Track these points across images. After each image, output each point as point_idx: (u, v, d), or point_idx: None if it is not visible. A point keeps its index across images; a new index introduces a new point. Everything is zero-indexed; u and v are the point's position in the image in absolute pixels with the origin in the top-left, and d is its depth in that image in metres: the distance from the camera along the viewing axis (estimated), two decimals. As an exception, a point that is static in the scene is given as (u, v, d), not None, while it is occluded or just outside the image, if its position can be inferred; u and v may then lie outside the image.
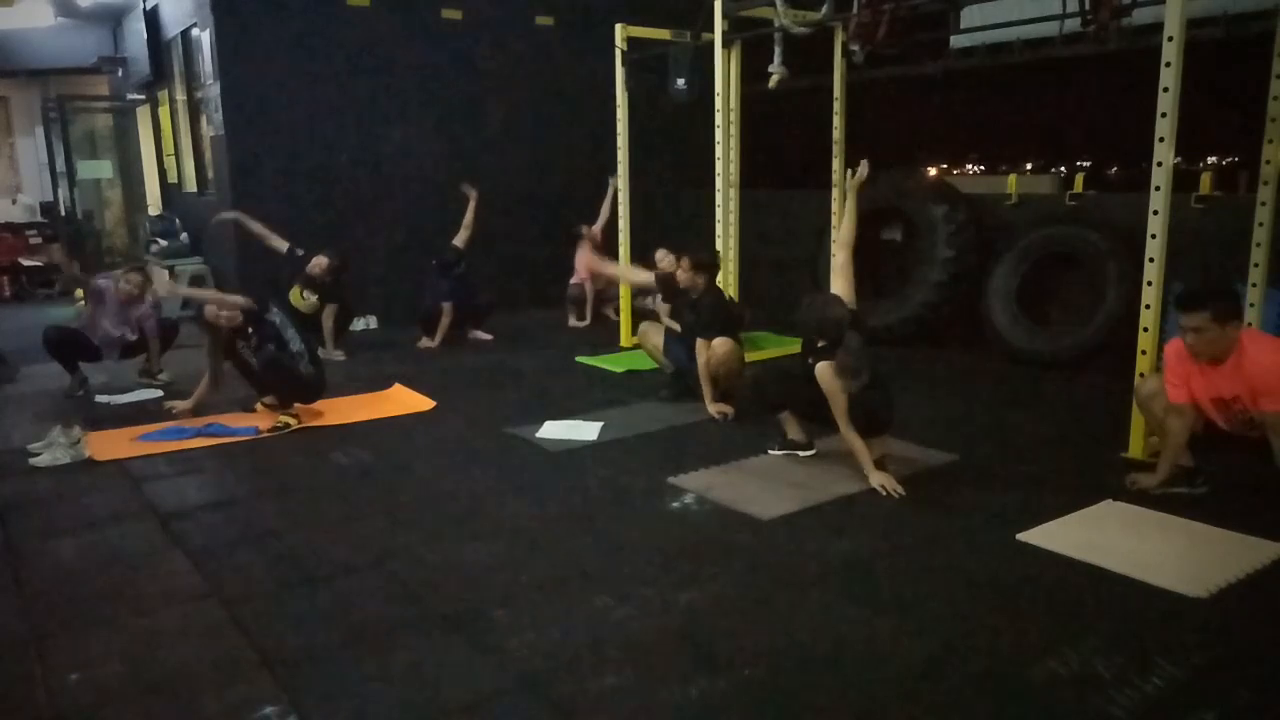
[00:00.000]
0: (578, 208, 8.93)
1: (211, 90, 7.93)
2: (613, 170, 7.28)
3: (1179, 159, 4.24)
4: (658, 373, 5.90)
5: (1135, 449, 4.24)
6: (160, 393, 5.73)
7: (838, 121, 6.32)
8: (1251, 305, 4.70)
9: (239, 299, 5.03)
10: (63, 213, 11.33)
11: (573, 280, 8.42)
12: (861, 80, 6.45)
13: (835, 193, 6.46)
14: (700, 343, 5.13)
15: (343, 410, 5.33)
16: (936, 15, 5.71)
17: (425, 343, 7.27)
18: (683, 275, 5.31)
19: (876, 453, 3.93)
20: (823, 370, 3.90)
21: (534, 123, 9.01)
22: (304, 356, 5.12)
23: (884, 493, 3.79)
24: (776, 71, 6.11)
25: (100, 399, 5.69)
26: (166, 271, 8.57)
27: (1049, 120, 18.91)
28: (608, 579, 3.09)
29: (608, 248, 7.92)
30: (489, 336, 7.56)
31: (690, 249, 5.47)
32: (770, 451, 4.38)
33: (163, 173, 10.75)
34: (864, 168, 4.43)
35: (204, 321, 5.06)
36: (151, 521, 3.71)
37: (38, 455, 4.46)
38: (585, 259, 8.15)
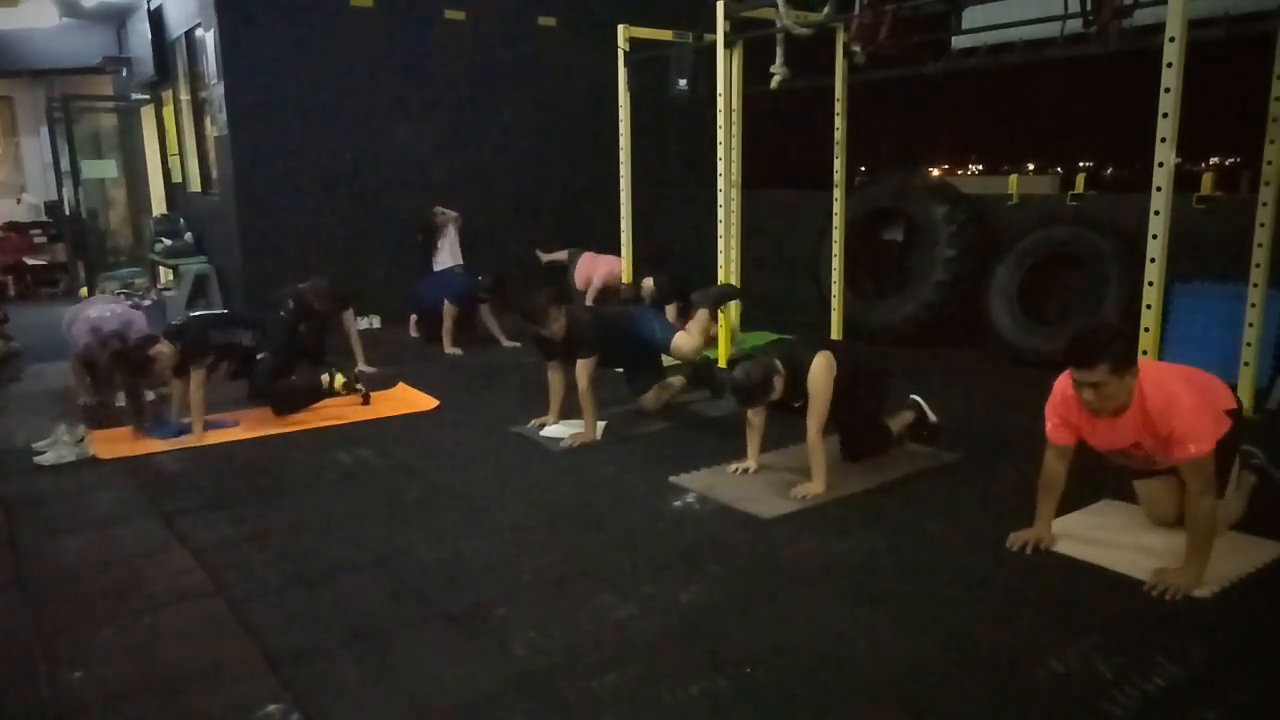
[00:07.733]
0: (580, 208, 8.95)
1: (215, 90, 7.94)
2: (614, 170, 7.28)
3: (1180, 159, 4.25)
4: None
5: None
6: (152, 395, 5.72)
7: (839, 122, 6.32)
8: (1253, 305, 4.70)
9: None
10: (67, 212, 11.36)
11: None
12: (863, 81, 6.45)
13: (837, 193, 6.46)
14: (581, 364, 4.70)
15: (346, 409, 5.35)
16: (938, 16, 5.72)
17: (452, 350, 7.05)
18: (554, 329, 4.73)
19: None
20: (814, 370, 3.89)
21: (537, 123, 9.01)
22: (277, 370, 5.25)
23: (802, 498, 3.77)
24: (778, 72, 6.11)
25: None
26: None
27: (1050, 121, 18.90)
28: (609, 578, 3.10)
29: (610, 250, 7.92)
30: (515, 344, 7.12)
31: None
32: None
33: (167, 172, 10.77)
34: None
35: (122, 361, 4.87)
36: (155, 519, 3.73)
37: (42, 453, 4.48)
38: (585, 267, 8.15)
